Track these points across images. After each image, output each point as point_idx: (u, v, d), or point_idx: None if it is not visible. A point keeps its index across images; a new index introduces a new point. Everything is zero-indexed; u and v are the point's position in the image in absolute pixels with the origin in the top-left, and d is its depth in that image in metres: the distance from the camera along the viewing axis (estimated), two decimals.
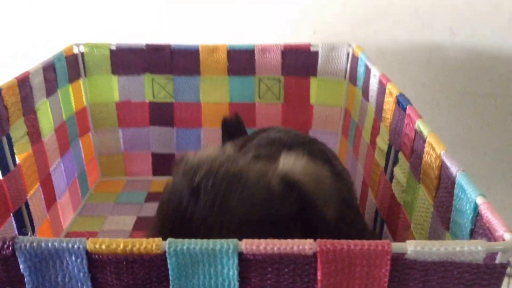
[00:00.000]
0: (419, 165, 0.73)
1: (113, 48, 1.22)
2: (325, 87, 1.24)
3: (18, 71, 0.95)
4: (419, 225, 0.72)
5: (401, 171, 0.83)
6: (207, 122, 1.26)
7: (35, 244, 0.46)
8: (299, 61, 1.22)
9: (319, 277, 0.46)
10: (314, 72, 1.22)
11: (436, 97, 0.87)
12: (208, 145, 0.74)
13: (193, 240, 0.45)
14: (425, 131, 0.72)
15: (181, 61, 1.22)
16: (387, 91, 0.92)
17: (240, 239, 0.45)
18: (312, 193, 0.61)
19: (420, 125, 0.74)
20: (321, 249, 0.45)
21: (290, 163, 0.62)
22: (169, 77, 1.24)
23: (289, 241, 0.45)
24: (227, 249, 0.45)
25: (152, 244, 0.45)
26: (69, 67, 1.16)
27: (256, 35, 1.31)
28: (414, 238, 0.74)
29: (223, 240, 0.45)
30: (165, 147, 1.28)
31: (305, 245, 0.45)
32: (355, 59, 1.17)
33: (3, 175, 0.85)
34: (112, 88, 1.25)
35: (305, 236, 0.47)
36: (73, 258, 0.46)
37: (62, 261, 0.46)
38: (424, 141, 0.72)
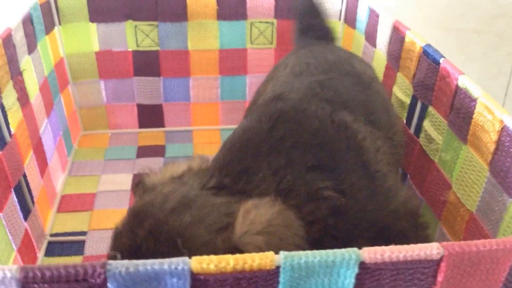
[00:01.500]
0: (465, 125, 0.71)
1: None
2: None
3: None
4: (467, 188, 0.70)
5: (432, 127, 0.80)
6: (196, 71, 1.19)
7: (131, 269, 0.40)
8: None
9: (439, 279, 0.43)
10: None
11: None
12: (174, 162, 0.66)
13: (309, 253, 0.41)
14: (474, 91, 0.68)
15: (167, 5, 1.13)
16: (407, 40, 0.88)
17: None
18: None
19: (466, 83, 0.71)
20: (449, 253, 0.41)
21: (249, 221, 0.53)
22: (153, 24, 1.15)
23: (415, 246, 0.42)
24: (348, 260, 0.41)
25: (266, 260, 0.40)
26: (44, 16, 1.04)
27: None
28: (458, 199, 0.72)
29: (343, 251, 0.41)
30: (152, 98, 1.20)
31: (432, 250, 0.41)
32: (352, 0, 1.12)
33: (1, 149, 0.76)
34: (91, 37, 1.14)
35: None
36: (175, 280, 0.41)
37: (160, 283, 0.41)
38: (473, 100, 0.68)
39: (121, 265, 0.40)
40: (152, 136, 1.21)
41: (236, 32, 1.16)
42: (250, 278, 0.41)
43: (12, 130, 0.82)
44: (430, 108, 0.81)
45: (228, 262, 0.40)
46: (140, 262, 0.40)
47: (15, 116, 0.84)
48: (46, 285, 0.40)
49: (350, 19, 1.14)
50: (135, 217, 0.55)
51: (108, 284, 0.40)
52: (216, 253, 0.43)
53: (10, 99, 0.83)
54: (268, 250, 0.42)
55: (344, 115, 0.65)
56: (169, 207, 0.54)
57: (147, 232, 0.53)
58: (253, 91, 0.96)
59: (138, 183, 0.62)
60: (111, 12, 1.12)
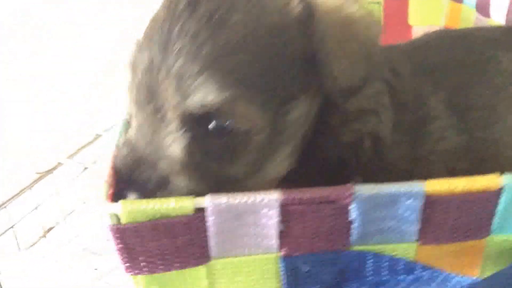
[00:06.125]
0: None
1: None
2: (423, 4, 1.22)
3: None
4: None
5: None
6: None
7: (374, 191, 0.46)
8: None
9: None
10: None
11: None
12: None
13: None
14: None
15: None
16: None
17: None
18: (329, 38, 0.50)
19: None
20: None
21: None
22: None
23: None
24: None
25: (491, 182, 0.46)
26: None
27: None
28: None
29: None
30: None
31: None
32: None
33: None
34: None
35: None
36: (410, 201, 0.47)
37: (397, 204, 0.47)
38: None
39: (365, 189, 0.46)
40: None
41: None
42: (474, 199, 0.47)
43: None
44: None
45: (457, 184, 0.46)
46: (383, 186, 0.46)
47: None
48: (300, 206, 0.47)
49: None
50: None
51: (352, 205, 0.47)
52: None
53: None
54: None
55: None
56: None
57: None
58: None
59: None
60: None
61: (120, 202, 0.45)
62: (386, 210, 0.47)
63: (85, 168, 0.90)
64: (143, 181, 0.48)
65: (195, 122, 0.49)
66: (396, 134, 0.58)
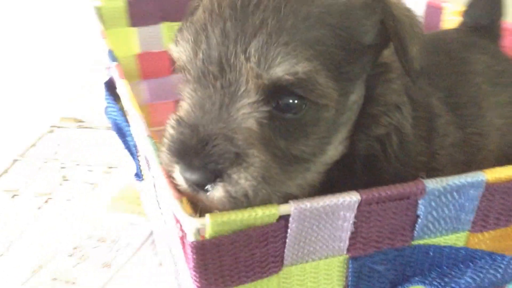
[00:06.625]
0: None
1: None
2: None
3: None
4: None
5: None
6: None
7: (443, 184, 0.48)
8: None
9: None
10: None
11: None
12: None
13: None
14: None
15: None
16: None
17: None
18: (403, 23, 0.52)
19: None
20: None
21: None
22: None
23: None
24: None
25: None
26: None
27: None
28: None
29: None
30: None
31: None
32: None
33: None
34: (131, 41, 1.18)
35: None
36: (472, 191, 0.49)
37: (462, 194, 0.49)
38: None
39: (434, 183, 0.48)
40: None
41: None
42: None
43: None
44: None
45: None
46: (449, 179, 0.48)
47: None
48: (376, 205, 0.47)
49: None
50: None
51: (422, 200, 0.48)
52: None
53: None
54: None
55: None
56: None
57: None
58: None
59: None
60: (147, 16, 1.16)
61: (208, 215, 0.42)
62: (448, 202, 0.49)
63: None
64: (217, 157, 0.46)
65: (272, 96, 0.48)
66: (415, 129, 0.60)
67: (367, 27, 0.52)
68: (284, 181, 0.49)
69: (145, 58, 1.19)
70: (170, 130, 0.50)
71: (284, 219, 0.45)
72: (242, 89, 0.48)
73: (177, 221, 0.45)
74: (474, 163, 0.67)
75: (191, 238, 0.43)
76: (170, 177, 0.48)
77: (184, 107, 0.50)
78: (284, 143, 0.49)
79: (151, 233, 0.92)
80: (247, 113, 0.47)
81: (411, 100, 0.60)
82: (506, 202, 0.52)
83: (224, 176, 0.46)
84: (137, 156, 0.72)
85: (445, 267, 0.52)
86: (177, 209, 0.44)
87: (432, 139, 0.63)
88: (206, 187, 0.46)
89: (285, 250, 0.47)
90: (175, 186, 0.47)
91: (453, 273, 0.52)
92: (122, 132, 0.78)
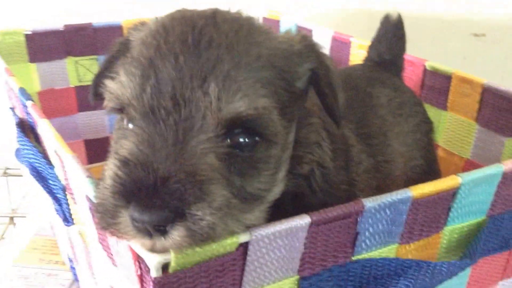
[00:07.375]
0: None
1: (29, 33, 1.11)
2: None
3: None
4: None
5: None
6: None
7: (379, 201, 0.53)
8: None
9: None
10: None
11: None
12: None
13: None
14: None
15: (105, 38, 1.18)
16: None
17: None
18: (333, 72, 0.57)
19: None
20: None
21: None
22: (93, 58, 1.19)
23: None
24: None
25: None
26: None
27: None
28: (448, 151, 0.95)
29: None
30: (97, 132, 1.23)
31: None
32: None
33: None
34: (32, 77, 1.14)
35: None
36: (402, 205, 0.55)
37: (393, 210, 0.54)
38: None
39: (371, 201, 0.53)
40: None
41: None
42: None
43: None
44: None
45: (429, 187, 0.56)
46: (384, 196, 0.53)
47: None
48: (326, 225, 0.51)
49: None
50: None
51: (361, 217, 0.53)
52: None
53: None
54: None
55: None
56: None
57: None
58: None
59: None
60: (50, 50, 1.14)
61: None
62: (382, 218, 0.54)
63: None
64: (179, 195, 0.44)
65: (229, 133, 0.49)
66: (334, 161, 0.65)
67: (300, 73, 0.56)
68: (244, 215, 0.49)
69: (47, 95, 1.15)
70: (115, 170, 0.46)
71: (243, 246, 0.47)
72: (198, 124, 0.47)
73: (136, 258, 0.46)
74: (385, 187, 0.73)
75: (153, 274, 0.44)
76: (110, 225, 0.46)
77: (127, 146, 0.48)
78: (239, 181, 0.50)
79: (73, 282, 0.89)
80: (207, 148, 0.47)
81: (328, 134, 0.64)
82: (428, 214, 0.58)
83: (186, 215, 0.44)
84: (66, 200, 0.70)
85: (380, 278, 0.57)
86: (136, 246, 0.44)
87: (349, 167, 0.67)
88: (166, 228, 0.44)
89: (243, 278, 0.49)
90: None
91: (387, 282, 0.56)
92: (41, 176, 0.75)
